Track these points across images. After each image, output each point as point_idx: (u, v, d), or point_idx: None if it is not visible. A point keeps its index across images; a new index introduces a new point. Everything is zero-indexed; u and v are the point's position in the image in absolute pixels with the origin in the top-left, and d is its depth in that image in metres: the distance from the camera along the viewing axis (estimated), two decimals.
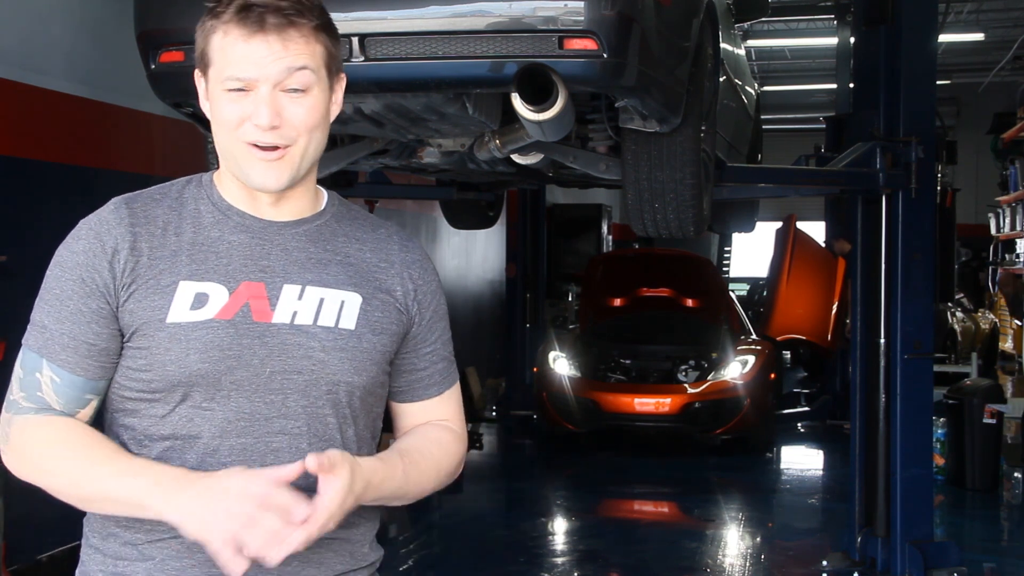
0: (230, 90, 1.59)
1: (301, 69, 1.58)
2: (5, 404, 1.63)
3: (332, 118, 1.68)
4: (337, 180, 5.13)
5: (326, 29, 1.62)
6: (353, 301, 1.68)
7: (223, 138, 1.62)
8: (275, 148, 1.60)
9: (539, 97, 3.11)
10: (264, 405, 1.61)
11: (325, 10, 1.63)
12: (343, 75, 1.70)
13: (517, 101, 3.16)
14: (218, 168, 1.72)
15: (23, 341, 1.65)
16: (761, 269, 14.90)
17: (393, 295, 1.74)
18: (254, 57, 1.57)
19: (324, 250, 1.69)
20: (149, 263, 1.61)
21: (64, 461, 1.57)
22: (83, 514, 1.67)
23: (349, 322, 1.67)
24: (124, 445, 1.63)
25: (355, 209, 1.80)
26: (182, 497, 1.50)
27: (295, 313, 1.64)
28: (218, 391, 1.60)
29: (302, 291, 1.65)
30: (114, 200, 1.69)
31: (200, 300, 1.60)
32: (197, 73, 1.66)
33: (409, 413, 1.82)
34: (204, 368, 1.58)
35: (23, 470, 1.60)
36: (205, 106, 1.65)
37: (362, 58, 3.17)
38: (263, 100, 1.57)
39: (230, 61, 1.58)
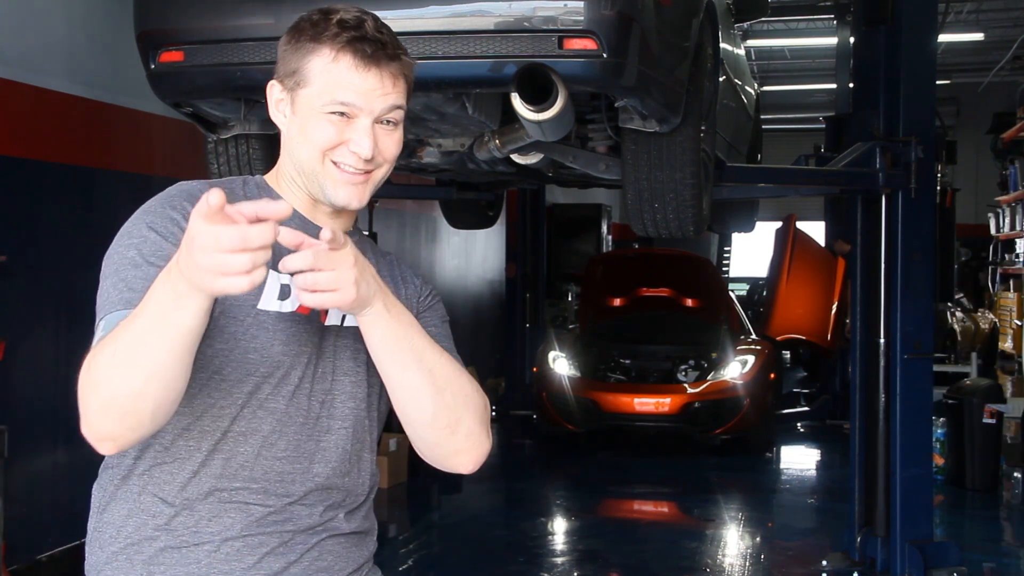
0: (330, 112, 1.63)
1: (398, 108, 1.67)
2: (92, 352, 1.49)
3: None
4: None
5: (410, 65, 1.70)
6: None
7: (308, 155, 1.65)
8: (364, 173, 1.67)
9: (539, 97, 3.12)
10: (318, 404, 1.67)
11: None
12: None
13: (517, 101, 3.16)
14: (233, 174, 1.73)
15: (106, 313, 1.52)
16: (761, 269, 14.90)
17: (409, 304, 1.80)
18: (364, 88, 1.62)
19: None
20: None
21: (113, 348, 1.43)
22: (83, 513, 1.66)
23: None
24: (166, 433, 1.59)
25: (365, 237, 1.88)
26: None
27: (344, 316, 1.69)
28: (285, 386, 1.63)
29: None
30: (194, 183, 1.68)
31: (285, 292, 1.63)
32: (277, 85, 1.68)
33: None
34: (284, 360, 1.62)
35: (96, 401, 1.45)
36: (278, 117, 1.69)
37: None
38: (365, 132, 1.64)
39: (339, 87, 1.62)
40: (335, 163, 1.65)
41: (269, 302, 1.62)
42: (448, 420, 1.66)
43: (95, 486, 1.68)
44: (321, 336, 1.68)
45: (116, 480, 1.64)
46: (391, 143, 1.68)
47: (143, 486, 1.61)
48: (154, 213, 1.60)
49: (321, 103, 1.63)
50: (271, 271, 1.59)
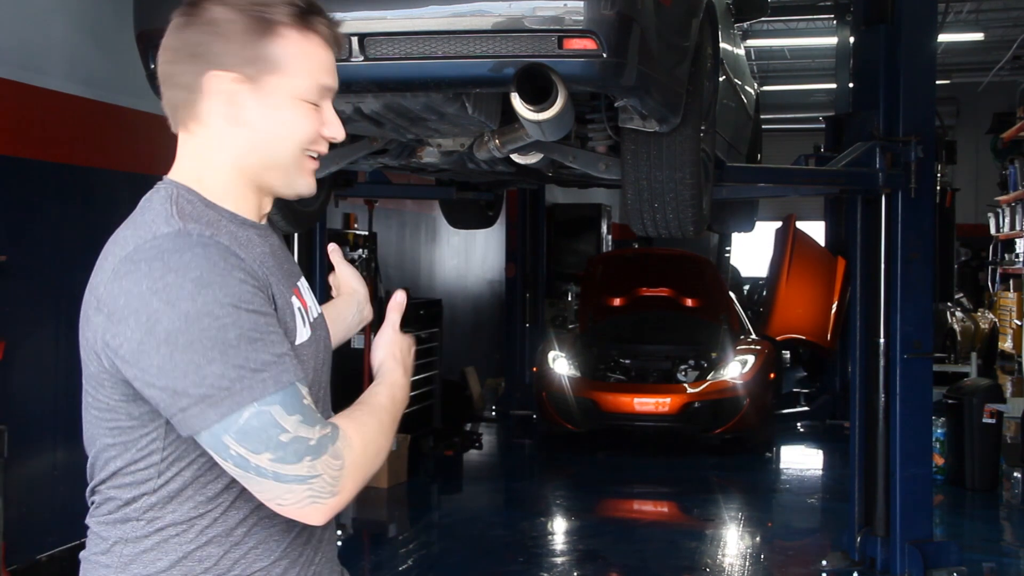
0: (308, 101, 1.49)
1: None
2: (314, 446, 1.41)
3: None
4: (337, 180, 5.13)
5: None
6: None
7: (286, 150, 1.51)
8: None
9: (539, 97, 3.12)
10: (320, 403, 1.64)
11: None
12: None
13: (517, 101, 3.16)
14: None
15: (258, 397, 1.39)
16: (761, 269, 14.90)
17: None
18: (333, 65, 1.52)
19: (278, 245, 1.67)
20: (268, 288, 1.51)
21: (377, 425, 1.53)
22: (82, 514, 1.64)
23: (319, 306, 1.74)
24: (209, 481, 1.50)
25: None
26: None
27: (311, 308, 1.67)
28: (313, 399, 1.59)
29: (302, 286, 1.68)
30: (193, 227, 1.44)
31: (301, 316, 1.57)
32: (224, 76, 1.47)
33: None
34: (315, 379, 1.60)
35: (357, 483, 1.47)
36: (238, 116, 1.48)
37: (362, 58, 3.17)
38: (334, 113, 1.54)
39: (320, 69, 1.49)
40: (307, 153, 1.54)
41: (301, 334, 1.55)
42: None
43: (105, 533, 1.53)
44: (321, 337, 1.66)
45: (149, 531, 1.50)
46: None
47: (182, 532, 1.50)
48: (224, 287, 1.39)
49: (300, 90, 1.48)
50: (287, 299, 1.54)
